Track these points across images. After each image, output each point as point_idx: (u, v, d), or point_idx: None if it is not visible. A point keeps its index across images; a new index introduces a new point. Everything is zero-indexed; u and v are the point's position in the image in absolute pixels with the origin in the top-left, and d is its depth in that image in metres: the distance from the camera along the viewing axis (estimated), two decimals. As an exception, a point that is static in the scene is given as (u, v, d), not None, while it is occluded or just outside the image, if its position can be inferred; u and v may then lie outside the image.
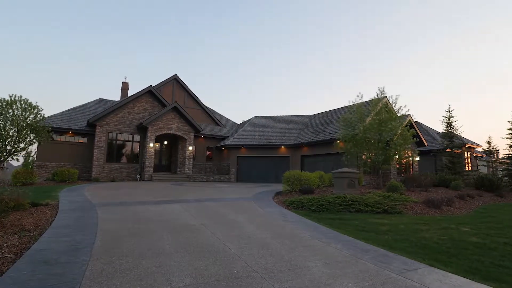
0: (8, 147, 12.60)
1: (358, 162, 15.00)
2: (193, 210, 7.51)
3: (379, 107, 14.63)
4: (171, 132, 20.47)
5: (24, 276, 3.14)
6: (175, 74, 23.88)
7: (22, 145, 12.95)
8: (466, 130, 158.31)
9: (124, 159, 19.74)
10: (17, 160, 13.55)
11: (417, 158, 18.90)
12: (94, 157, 18.27)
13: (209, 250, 4.29)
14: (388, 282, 3.34)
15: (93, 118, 18.50)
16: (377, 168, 13.98)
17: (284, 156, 21.85)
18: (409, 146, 14.57)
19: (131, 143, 20.01)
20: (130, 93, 25.02)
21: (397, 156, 14.36)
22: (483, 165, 28.73)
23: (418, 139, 17.27)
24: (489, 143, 22.44)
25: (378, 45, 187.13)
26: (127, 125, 19.82)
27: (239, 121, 29.26)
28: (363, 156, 14.36)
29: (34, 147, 21.86)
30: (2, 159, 12.52)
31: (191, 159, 21.18)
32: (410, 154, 16.95)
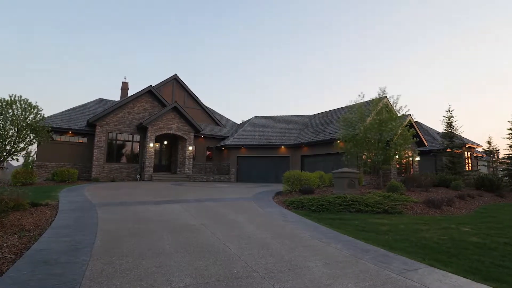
0: (8, 147, 12.59)
1: (358, 162, 14.99)
2: (193, 210, 7.50)
3: (379, 107, 14.62)
4: (171, 132, 20.47)
5: (24, 276, 3.14)
6: (175, 74, 23.88)
7: (22, 145, 12.95)
8: (466, 130, 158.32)
9: (124, 159, 19.74)
10: (17, 160, 13.53)
11: (417, 158, 18.89)
12: (94, 157, 18.27)
13: (209, 250, 4.29)
14: (388, 282, 3.34)
15: (93, 118, 18.50)
16: (377, 168, 13.97)
17: (284, 156, 21.85)
18: (409, 146, 14.57)
19: (131, 143, 20.00)
20: (130, 93, 25.03)
21: (397, 156, 14.35)
22: (483, 165, 28.74)
23: (418, 139, 17.25)
24: (489, 143, 22.43)
25: (378, 45, 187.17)
26: (127, 125, 19.82)
27: (239, 121, 29.32)
28: (363, 156, 14.35)
29: (34, 147, 21.83)
30: (2, 159, 12.52)
31: (191, 159, 21.18)
32: (410, 154, 16.96)
